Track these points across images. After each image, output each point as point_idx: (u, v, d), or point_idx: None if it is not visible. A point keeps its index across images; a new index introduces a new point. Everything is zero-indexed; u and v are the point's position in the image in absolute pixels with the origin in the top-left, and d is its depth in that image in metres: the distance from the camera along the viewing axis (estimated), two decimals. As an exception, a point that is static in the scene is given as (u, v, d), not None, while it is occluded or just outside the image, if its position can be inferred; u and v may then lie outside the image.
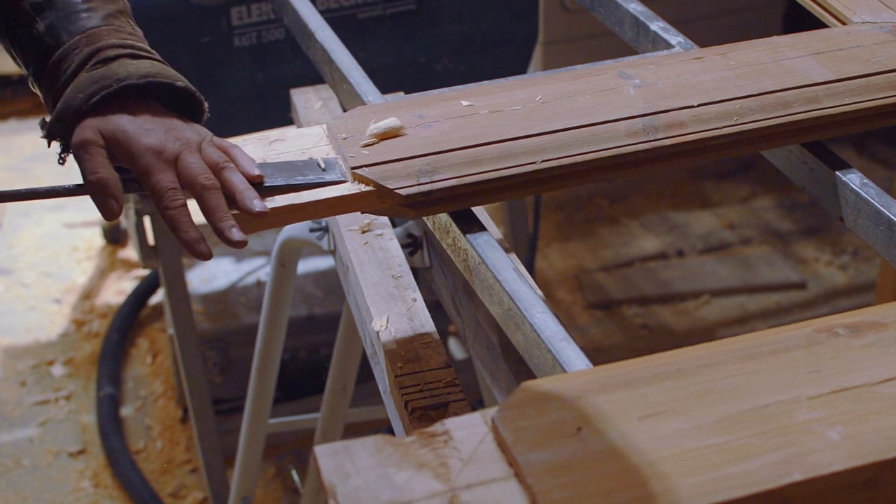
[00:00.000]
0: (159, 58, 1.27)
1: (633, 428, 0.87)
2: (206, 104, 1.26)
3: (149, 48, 1.27)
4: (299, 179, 1.15)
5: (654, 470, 0.83)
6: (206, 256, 1.17)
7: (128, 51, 1.23)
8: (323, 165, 1.17)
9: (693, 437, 0.86)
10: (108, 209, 1.16)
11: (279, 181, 1.15)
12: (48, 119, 1.22)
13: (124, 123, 1.18)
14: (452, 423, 0.89)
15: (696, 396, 0.89)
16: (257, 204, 1.14)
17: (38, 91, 1.28)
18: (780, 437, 0.86)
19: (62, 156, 1.23)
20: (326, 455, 0.86)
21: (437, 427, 0.89)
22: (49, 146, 1.24)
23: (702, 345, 0.95)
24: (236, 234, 1.14)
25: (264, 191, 1.15)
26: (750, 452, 0.85)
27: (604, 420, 0.87)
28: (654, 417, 0.87)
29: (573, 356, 1.00)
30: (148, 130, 1.18)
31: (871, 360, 0.92)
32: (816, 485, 0.83)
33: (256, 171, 1.16)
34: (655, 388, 0.90)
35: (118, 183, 1.16)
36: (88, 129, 1.18)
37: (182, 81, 1.23)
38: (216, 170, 1.17)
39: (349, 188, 1.15)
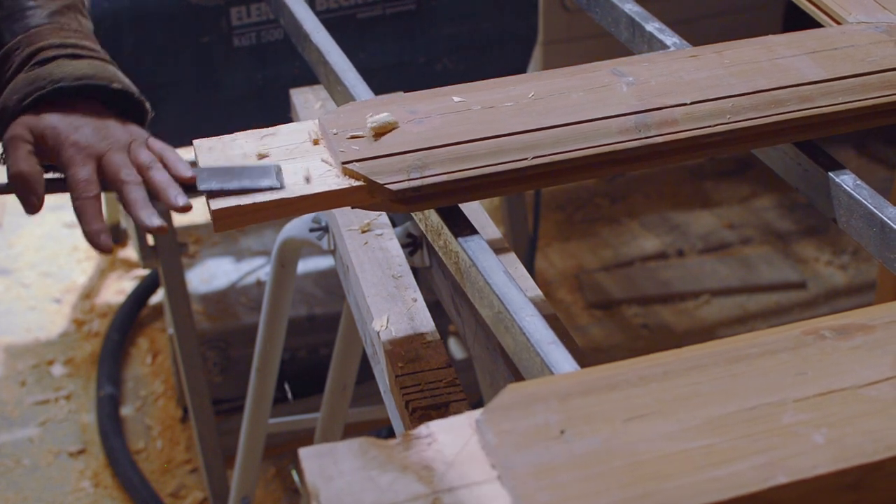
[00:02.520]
0: (103, 56, 1.28)
1: (619, 430, 0.87)
2: (149, 105, 1.28)
3: (93, 46, 1.28)
4: (233, 185, 1.13)
5: (639, 472, 0.83)
6: (106, 249, 1.19)
7: (68, 51, 1.24)
8: (266, 171, 1.15)
9: (678, 440, 0.86)
10: (29, 204, 1.18)
11: (213, 185, 1.13)
12: None
13: (54, 121, 1.20)
14: (437, 426, 0.89)
15: (682, 399, 0.89)
16: (180, 199, 1.15)
17: None
18: (766, 440, 0.85)
19: (2, 156, 1.24)
20: (310, 457, 0.86)
21: (421, 430, 0.89)
22: None
23: (688, 347, 0.94)
24: (155, 219, 1.16)
25: (195, 194, 1.16)
26: (735, 455, 0.84)
27: (589, 422, 0.87)
28: (639, 420, 0.87)
29: (561, 359, 1.00)
30: (77, 128, 1.19)
31: (857, 363, 0.92)
32: (801, 487, 0.83)
33: (188, 174, 1.17)
34: (641, 390, 0.90)
35: (40, 178, 1.18)
36: (18, 125, 1.20)
37: (119, 83, 1.24)
38: (142, 169, 1.18)
39: (339, 183, 1.15)
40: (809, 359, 0.93)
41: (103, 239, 1.18)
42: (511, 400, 0.89)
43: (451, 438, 0.87)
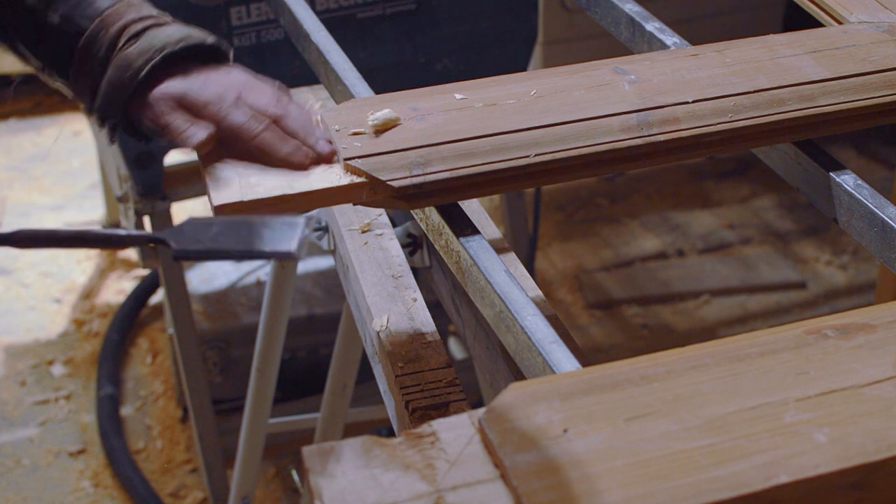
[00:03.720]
0: (173, 20, 1.31)
1: (620, 429, 0.87)
2: (231, 53, 1.32)
3: (160, 13, 1.31)
4: (230, 246, 1.05)
5: (640, 472, 0.83)
6: (331, 157, 1.18)
7: (151, 21, 1.27)
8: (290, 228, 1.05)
9: (680, 439, 0.86)
10: (203, 145, 1.21)
11: (204, 244, 1.05)
12: (94, 105, 1.25)
13: (180, 85, 1.22)
14: (440, 425, 0.89)
15: (684, 398, 0.89)
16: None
17: (61, 84, 1.31)
18: (767, 439, 0.85)
19: (113, 136, 1.27)
20: (313, 456, 0.86)
21: (424, 428, 0.89)
22: (102, 129, 1.28)
23: (690, 346, 0.94)
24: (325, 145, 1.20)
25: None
26: (737, 454, 0.84)
27: (590, 421, 0.87)
28: (641, 419, 0.87)
29: (563, 359, 1.00)
30: (204, 83, 1.22)
31: (859, 362, 0.92)
32: (803, 487, 0.83)
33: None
34: (643, 389, 0.90)
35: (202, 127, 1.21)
36: (156, 100, 1.22)
37: (212, 37, 1.28)
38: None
39: (341, 179, 1.14)
40: (811, 358, 0.93)
41: (306, 150, 1.19)
42: (513, 399, 0.89)
43: (454, 437, 0.87)
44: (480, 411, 0.89)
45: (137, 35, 1.25)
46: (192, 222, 1.06)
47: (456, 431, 0.88)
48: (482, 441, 0.87)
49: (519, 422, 0.87)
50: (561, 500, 0.81)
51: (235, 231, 1.05)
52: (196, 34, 1.27)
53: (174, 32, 1.26)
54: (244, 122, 1.19)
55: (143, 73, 1.22)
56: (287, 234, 1.04)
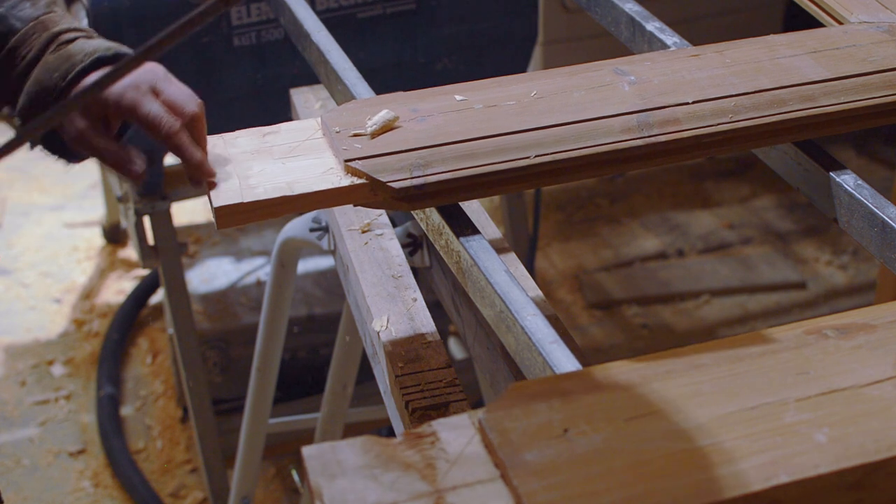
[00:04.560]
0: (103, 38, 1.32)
1: (621, 429, 0.87)
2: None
3: (92, 31, 1.32)
4: None
5: (641, 471, 0.83)
6: (211, 175, 1.17)
7: (83, 33, 1.28)
8: None
9: (680, 439, 0.86)
10: (131, 174, 1.23)
11: None
12: (17, 107, 1.24)
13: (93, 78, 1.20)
14: (440, 425, 0.89)
15: (684, 398, 0.89)
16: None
17: None
18: (768, 439, 0.85)
19: (34, 141, 1.26)
20: (313, 456, 0.86)
21: (424, 428, 0.89)
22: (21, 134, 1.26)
23: (690, 346, 0.94)
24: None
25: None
26: (737, 454, 0.84)
27: (591, 421, 0.87)
28: (641, 419, 0.87)
29: (563, 358, 1.00)
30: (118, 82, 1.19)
31: (859, 362, 0.92)
32: (803, 487, 0.83)
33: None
34: (643, 389, 0.90)
35: (121, 148, 1.22)
36: (74, 118, 1.20)
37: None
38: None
39: (341, 180, 1.14)
40: (811, 358, 0.93)
41: (206, 170, 1.18)
42: (513, 399, 0.89)
43: (454, 437, 0.87)
44: (480, 411, 0.89)
45: (69, 42, 1.25)
46: None
47: (456, 431, 0.88)
48: (482, 441, 0.87)
49: (519, 422, 0.87)
50: (561, 500, 0.81)
51: None
52: (126, 48, 1.27)
53: (103, 43, 1.26)
54: (154, 115, 1.19)
55: (71, 74, 1.22)
56: None
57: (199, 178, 1.18)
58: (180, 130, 1.19)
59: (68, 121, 1.21)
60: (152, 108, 1.19)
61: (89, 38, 1.28)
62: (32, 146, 1.29)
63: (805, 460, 0.84)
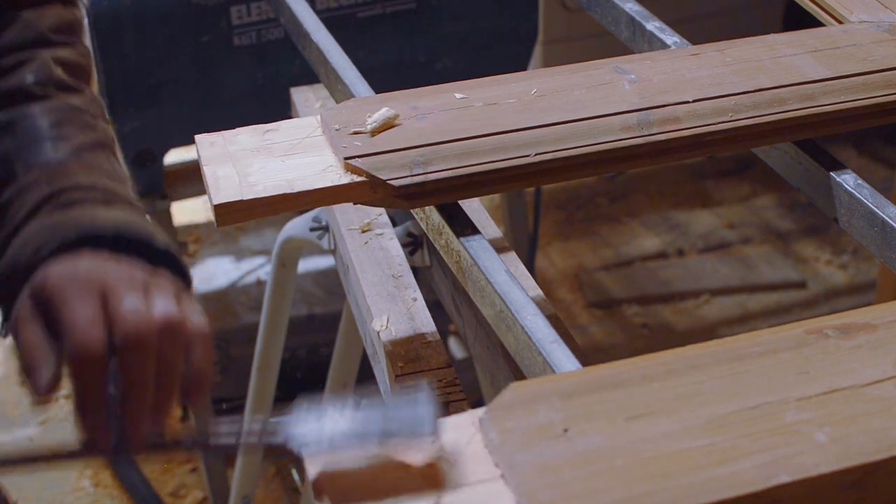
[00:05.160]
0: (140, 206, 1.02)
1: (621, 429, 0.86)
2: (192, 277, 1.00)
3: (129, 194, 1.01)
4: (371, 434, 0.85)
5: (641, 471, 0.83)
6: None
7: (97, 194, 0.98)
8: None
9: (680, 439, 0.86)
10: (34, 384, 0.90)
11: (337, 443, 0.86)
12: None
13: (57, 268, 0.88)
14: (440, 424, 0.89)
15: (684, 397, 0.89)
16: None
17: None
18: (768, 439, 0.85)
19: (5, 329, 0.94)
20: (313, 456, 0.86)
21: (424, 428, 0.88)
22: None
23: (690, 346, 0.94)
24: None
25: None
26: (737, 454, 0.84)
27: (591, 421, 0.87)
28: (641, 418, 0.87)
29: (563, 358, 1.00)
30: (76, 264, 0.87)
31: (860, 362, 0.92)
32: (803, 486, 0.83)
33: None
34: (643, 388, 0.90)
35: (43, 347, 0.88)
36: (24, 293, 0.90)
37: (163, 241, 0.96)
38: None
39: (341, 178, 1.14)
40: (811, 358, 0.93)
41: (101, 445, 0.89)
42: (513, 398, 0.89)
43: (454, 437, 0.87)
44: (480, 411, 0.89)
45: (70, 205, 0.95)
46: (300, 416, 0.90)
47: (456, 431, 0.88)
48: (483, 441, 0.87)
49: (519, 421, 0.87)
50: (561, 500, 0.81)
51: (355, 416, 0.87)
52: (145, 228, 0.94)
53: (116, 216, 0.95)
54: (76, 323, 0.84)
55: (44, 252, 0.92)
56: (419, 413, 0.86)
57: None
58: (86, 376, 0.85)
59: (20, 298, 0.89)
60: (77, 312, 0.83)
61: (108, 203, 0.96)
62: None
63: (805, 460, 0.84)
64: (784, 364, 0.92)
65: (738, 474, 0.83)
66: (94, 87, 1.12)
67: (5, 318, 0.95)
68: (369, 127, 1.18)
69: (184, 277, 0.97)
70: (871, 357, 0.93)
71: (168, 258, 0.96)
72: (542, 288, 1.40)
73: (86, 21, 1.27)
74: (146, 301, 0.86)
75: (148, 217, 0.99)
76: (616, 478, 0.82)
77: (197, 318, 0.88)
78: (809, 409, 0.88)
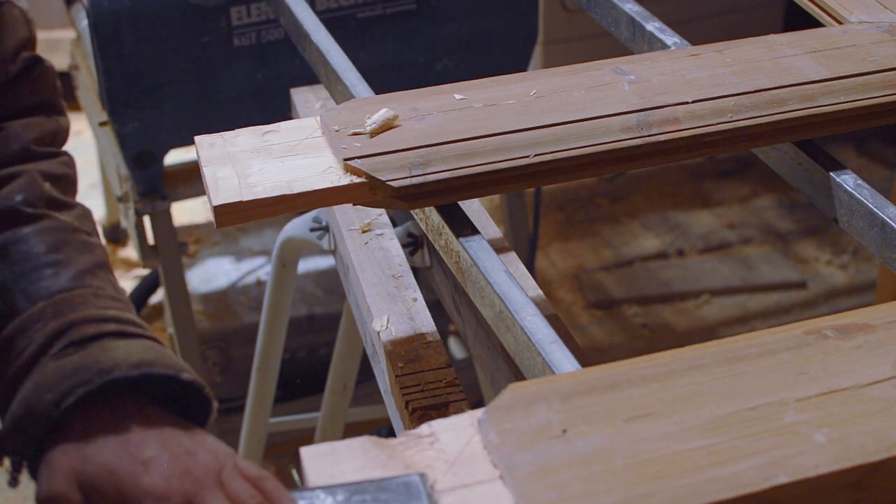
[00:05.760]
0: (151, 333, 0.96)
1: (620, 430, 0.86)
2: (215, 402, 0.95)
3: (139, 320, 0.97)
4: None
5: (640, 472, 0.83)
6: None
7: (111, 326, 0.93)
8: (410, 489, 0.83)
9: (679, 440, 0.86)
10: None
11: None
12: None
13: (109, 458, 0.86)
14: (439, 425, 0.89)
15: (683, 398, 0.89)
16: None
17: None
18: (767, 439, 0.85)
19: (16, 476, 0.93)
20: (312, 457, 0.86)
21: (423, 429, 0.88)
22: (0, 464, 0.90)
23: (689, 347, 0.94)
24: None
25: None
26: (736, 454, 0.84)
27: (590, 422, 0.87)
28: (640, 419, 0.87)
29: (563, 359, 1.00)
30: (146, 463, 0.85)
31: (859, 363, 0.92)
32: (803, 487, 0.83)
33: None
34: (642, 389, 0.90)
35: None
36: (59, 471, 0.87)
37: (187, 372, 0.93)
38: None
39: (340, 179, 1.14)
40: (811, 358, 0.93)
41: None
42: (512, 399, 0.89)
43: (453, 438, 0.87)
44: (480, 411, 0.89)
45: (85, 342, 0.90)
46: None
47: (455, 432, 0.88)
48: (482, 441, 0.87)
49: (519, 422, 0.87)
50: (560, 501, 0.81)
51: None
52: (167, 361, 0.90)
53: (136, 351, 0.90)
54: None
55: (70, 400, 0.87)
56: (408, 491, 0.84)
57: None
58: None
59: (47, 460, 0.88)
60: None
61: (122, 335, 0.92)
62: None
63: (804, 461, 0.84)
64: (783, 365, 0.92)
65: (738, 475, 0.83)
66: (77, 196, 1.09)
67: (20, 462, 0.93)
68: (369, 128, 1.18)
69: (208, 404, 0.94)
70: (871, 357, 0.93)
71: (193, 388, 0.93)
72: (542, 288, 1.40)
73: (69, 127, 1.20)
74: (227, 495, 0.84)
75: (164, 347, 0.94)
76: (615, 479, 0.82)
77: (273, 485, 0.88)
78: (808, 409, 0.88)
